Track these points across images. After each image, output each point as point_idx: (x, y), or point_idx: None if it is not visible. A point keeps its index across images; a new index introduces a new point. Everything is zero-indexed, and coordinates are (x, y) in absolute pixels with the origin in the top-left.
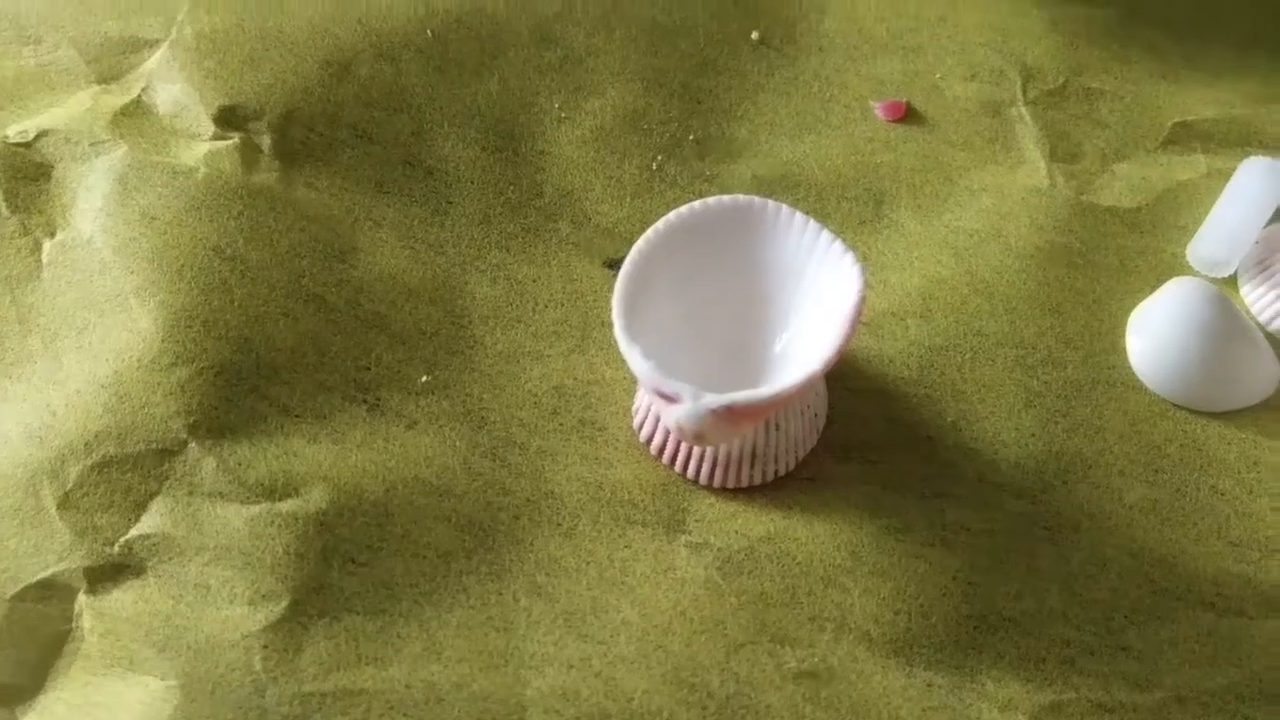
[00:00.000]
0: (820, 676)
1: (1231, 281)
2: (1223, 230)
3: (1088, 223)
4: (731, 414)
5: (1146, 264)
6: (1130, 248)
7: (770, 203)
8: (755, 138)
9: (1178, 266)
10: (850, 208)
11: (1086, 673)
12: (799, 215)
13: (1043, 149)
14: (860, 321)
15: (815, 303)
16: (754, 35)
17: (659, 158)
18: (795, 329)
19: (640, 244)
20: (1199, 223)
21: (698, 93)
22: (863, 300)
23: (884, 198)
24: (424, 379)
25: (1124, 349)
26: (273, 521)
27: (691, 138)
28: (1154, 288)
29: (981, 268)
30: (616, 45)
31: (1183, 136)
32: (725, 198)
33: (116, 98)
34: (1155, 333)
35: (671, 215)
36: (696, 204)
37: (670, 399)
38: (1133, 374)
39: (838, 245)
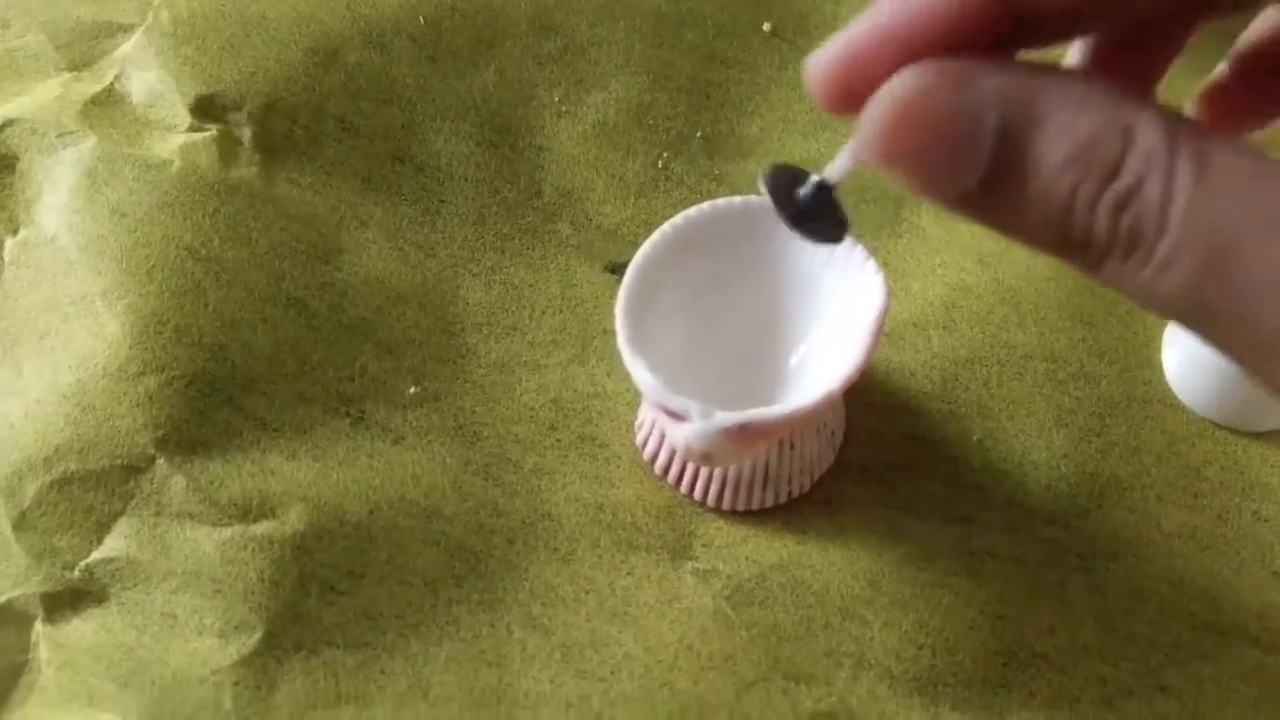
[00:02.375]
0: (838, 717)
1: None
2: None
3: None
4: (744, 433)
5: None
6: None
7: None
8: (767, 135)
9: None
10: (869, 210)
11: (1124, 714)
12: None
13: None
14: (882, 333)
15: (834, 314)
16: (766, 27)
17: (665, 155)
18: (812, 341)
19: (646, 248)
20: None
21: (706, 87)
22: (886, 312)
23: (904, 200)
24: (412, 390)
25: (1160, 364)
26: (246, 545)
27: (699, 134)
28: None
29: (1008, 275)
30: (620, 35)
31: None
32: (737, 199)
33: (87, 86)
34: (1193, 347)
35: (679, 218)
36: (706, 206)
37: (677, 416)
38: (1169, 390)
39: (859, 252)
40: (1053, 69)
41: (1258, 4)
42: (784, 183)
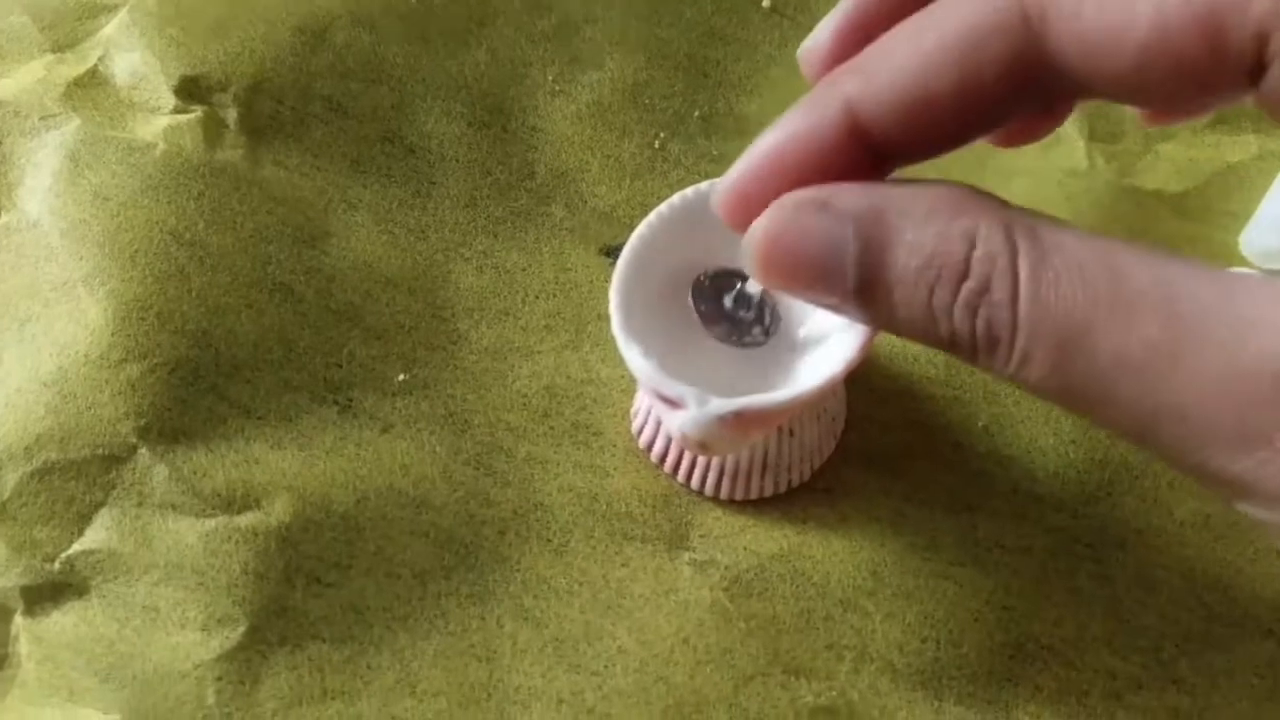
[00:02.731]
0: (839, 712)
1: None
2: (1277, 217)
3: (1130, 208)
4: (741, 421)
5: (1195, 253)
6: (1177, 235)
7: None
8: (765, 114)
9: (1229, 256)
10: None
11: (1134, 708)
12: None
13: (1081, 128)
14: None
15: None
16: (765, 3)
17: (661, 135)
18: (811, 325)
19: (641, 230)
20: (1251, 208)
21: (704, 65)
22: None
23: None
24: (401, 378)
25: None
26: (230, 537)
27: (697, 114)
28: None
29: None
30: (616, 13)
31: (1233, 114)
32: None
33: (71, 67)
34: None
35: (675, 199)
36: (703, 186)
37: (673, 403)
38: None
39: None
40: (907, 183)
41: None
42: (713, 290)
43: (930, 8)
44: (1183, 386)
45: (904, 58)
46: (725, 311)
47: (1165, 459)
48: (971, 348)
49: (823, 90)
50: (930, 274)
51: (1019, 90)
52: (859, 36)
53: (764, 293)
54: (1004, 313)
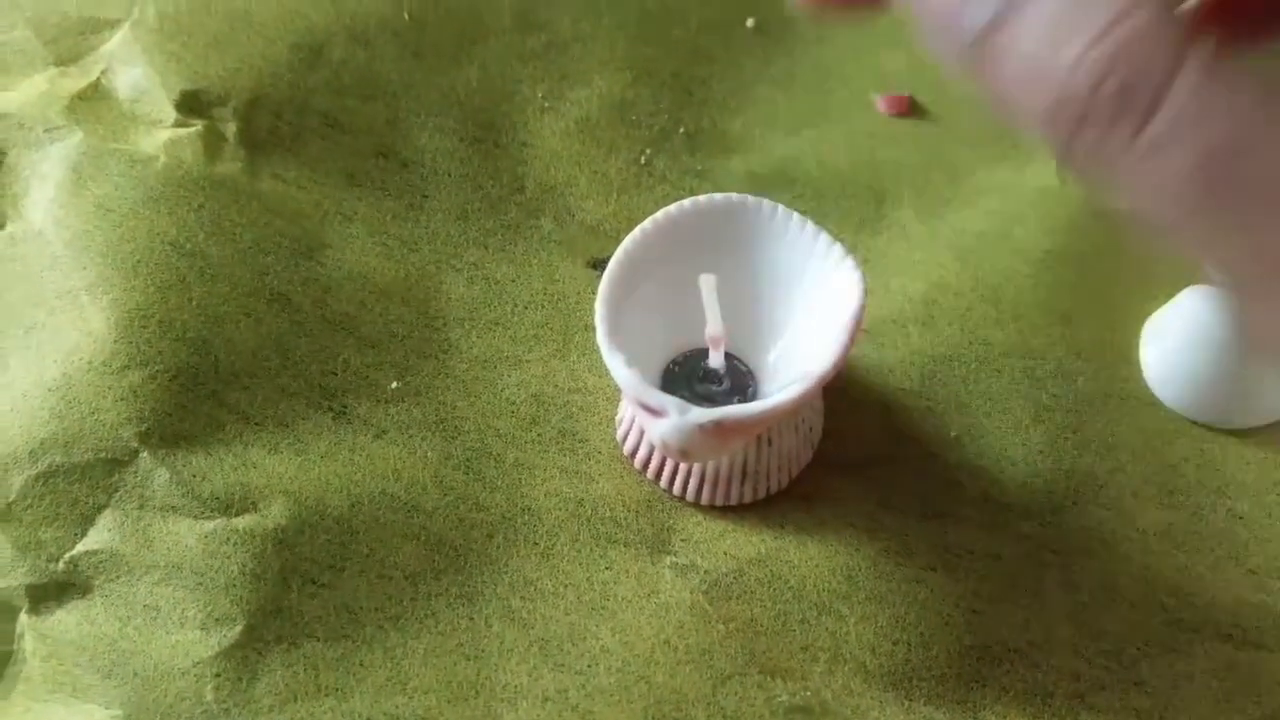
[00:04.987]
0: (813, 711)
1: None
2: None
3: (1103, 227)
4: (720, 430)
5: (1163, 271)
6: (1149, 255)
7: (765, 202)
8: (750, 132)
9: (1197, 276)
10: (850, 206)
11: (1096, 708)
12: (796, 216)
13: None
14: (860, 330)
15: (812, 310)
16: (749, 23)
17: (648, 151)
18: (790, 337)
19: (626, 244)
20: None
21: (689, 83)
22: (863, 309)
23: (885, 196)
24: (394, 385)
25: (1138, 361)
26: (228, 539)
27: (682, 131)
28: (1170, 296)
29: (988, 272)
30: (604, 31)
31: None
32: (718, 196)
33: (74, 81)
34: (1171, 344)
35: (660, 214)
36: (686, 202)
37: (655, 412)
38: (1146, 388)
39: (837, 249)
40: None
41: None
42: (683, 376)
43: None
44: None
45: None
46: (698, 391)
47: (1256, 309)
48: (1080, 108)
49: None
50: (1073, 14)
51: None
52: None
53: (725, 359)
54: (1148, 80)
